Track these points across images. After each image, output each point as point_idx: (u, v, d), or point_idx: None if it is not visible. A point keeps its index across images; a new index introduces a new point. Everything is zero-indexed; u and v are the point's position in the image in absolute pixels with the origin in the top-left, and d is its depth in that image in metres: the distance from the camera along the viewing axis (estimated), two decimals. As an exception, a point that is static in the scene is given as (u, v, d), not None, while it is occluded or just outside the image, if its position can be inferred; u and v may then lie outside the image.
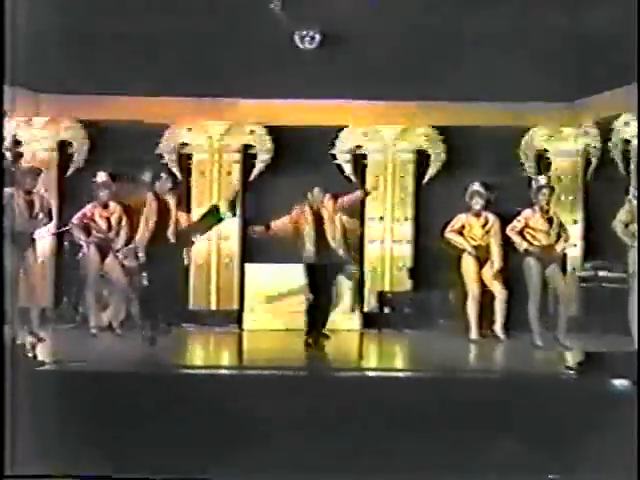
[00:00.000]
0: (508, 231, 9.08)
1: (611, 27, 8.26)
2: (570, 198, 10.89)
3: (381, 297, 10.88)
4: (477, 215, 9.84)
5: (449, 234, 9.78)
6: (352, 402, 6.08)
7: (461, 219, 9.83)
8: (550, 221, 9.04)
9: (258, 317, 10.46)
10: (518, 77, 9.52)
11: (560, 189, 10.53)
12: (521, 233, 8.97)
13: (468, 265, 9.73)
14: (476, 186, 9.86)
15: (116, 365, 7.14)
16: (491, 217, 9.82)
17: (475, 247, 9.71)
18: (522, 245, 8.91)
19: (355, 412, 6.00)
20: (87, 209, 9.52)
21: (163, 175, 8.70)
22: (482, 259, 9.73)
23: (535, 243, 8.95)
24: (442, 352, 8.75)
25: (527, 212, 9.05)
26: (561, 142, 10.96)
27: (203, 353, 9.36)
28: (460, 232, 9.77)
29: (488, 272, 9.69)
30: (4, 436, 5.40)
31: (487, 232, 9.75)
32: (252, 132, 11.03)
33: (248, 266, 10.68)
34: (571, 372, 6.88)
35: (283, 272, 10.18)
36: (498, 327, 9.65)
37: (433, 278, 10.52)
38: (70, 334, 9.68)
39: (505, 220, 9.45)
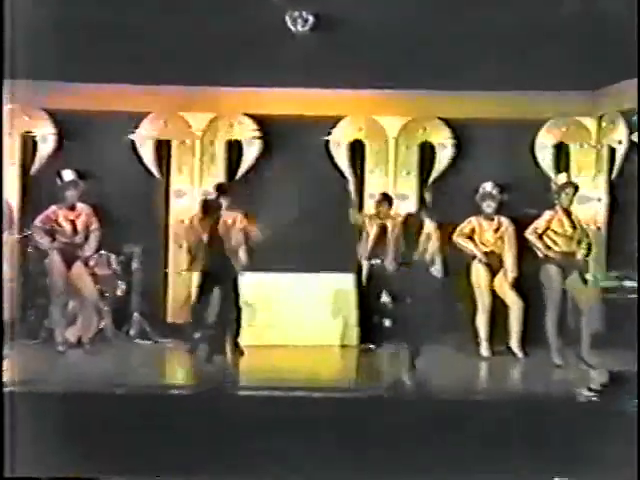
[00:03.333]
0: (528, 234, 9.08)
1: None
2: (593, 199, 10.87)
3: (380, 308, 10.69)
4: (489, 218, 9.87)
5: (458, 238, 9.78)
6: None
7: (471, 222, 9.85)
8: (573, 224, 9.05)
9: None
10: (533, 64, 9.56)
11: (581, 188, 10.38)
12: (540, 237, 9.00)
13: (478, 273, 9.76)
14: (488, 187, 9.90)
15: (93, 386, 7.28)
16: (505, 221, 9.87)
17: (486, 254, 9.76)
18: (543, 251, 8.92)
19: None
20: (50, 211, 9.44)
21: None
22: (494, 267, 9.77)
23: (556, 249, 8.96)
24: (443, 371, 8.72)
25: (548, 214, 9.05)
26: (581, 135, 11.00)
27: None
28: (470, 237, 9.81)
29: (501, 282, 9.74)
30: (4, 436, 5.82)
31: (500, 237, 9.80)
32: (238, 124, 11.10)
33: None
34: (594, 394, 6.95)
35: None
36: (514, 343, 9.66)
37: (440, 287, 9.99)
38: (35, 351, 9.63)
39: (519, 224, 9.56)
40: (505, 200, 9.93)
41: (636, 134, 10.13)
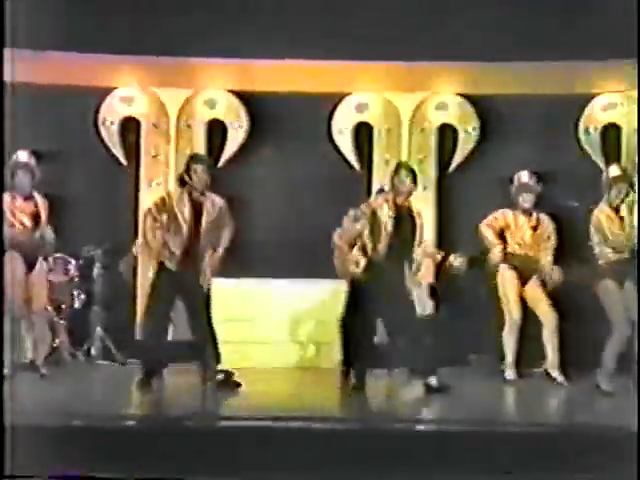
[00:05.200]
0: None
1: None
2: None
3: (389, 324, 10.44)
4: (527, 214, 9.75)
5: (485, 228, 9.66)
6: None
7: (505, 216, 9.71)
8: (623, 228, 8.73)
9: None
10: (574, 28, 9.41)
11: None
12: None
13: (506, 280, 9.62)
14: (525, 177, 9.84)
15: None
16: (545, 218, 9.80)
17: (518, 256, 9.61)
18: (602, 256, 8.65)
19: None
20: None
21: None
22: (527, 273, 9.61)
23: (611, 253, 8.67)
24: (458, 397, 8.49)
25: (600, 209, 8.74)
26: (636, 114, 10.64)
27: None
28: (500, 233, 9.69)
29: (533, 290, 9.59)
30: (4, 436, 6.13)
31: (539, 237, 9.70)
32: (221, 103, 10.90)
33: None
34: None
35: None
36: (551, 364, 9.45)
37: (461, 298, 10.34)
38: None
39: (559, 220, 9.67)
40: (544, 193, 9.85)
41: None
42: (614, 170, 8.97)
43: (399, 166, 8.86)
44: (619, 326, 8.50)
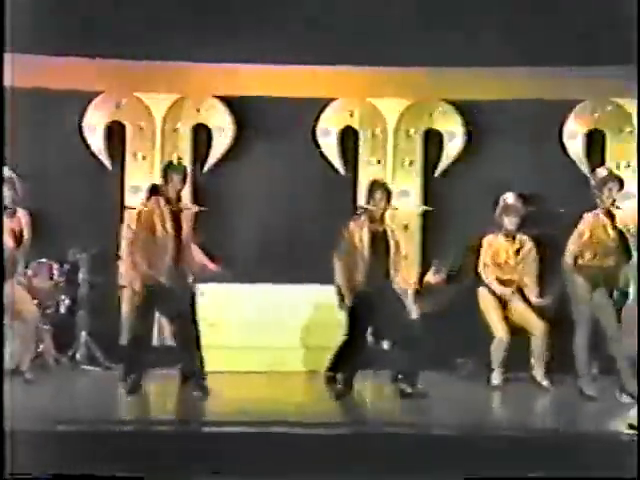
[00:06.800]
0: (567, 260, 8.66)
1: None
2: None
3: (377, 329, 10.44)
4: (509, 237, 9.76)
5: (488, 276, 9.65)
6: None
7: (490, 244, 9.72)
8: (615, 229, 8.76)
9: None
10: (560, 34, 9.47)
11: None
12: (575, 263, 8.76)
13: (486, 302, 9.66)
14: (510, 199, 9.88)
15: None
16: (527, 241, 9.78)
17: (503, 282, 9.66)
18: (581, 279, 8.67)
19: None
20: None
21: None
22: (507, 297, 9.70)
23: (595, 261, 8.69)
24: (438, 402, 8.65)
25: (588, 217, 8.71)
26: (621, 119, 10.70)
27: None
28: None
29: (517, 307, 9.64)
30: (4, 436, 6.22)
31: (521, 261, 9.70)
32: (207, 108, 10.92)
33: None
34: (635, 432, 6.82)
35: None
36: (536, 370, 9.49)
37: (448, 303, 10.14)
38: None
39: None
40: (529, 212, 9.87)
41: None
42: (602, 171, 9.00)
43: (373, 185, 8.88)
44: (580, 326, 8.57)
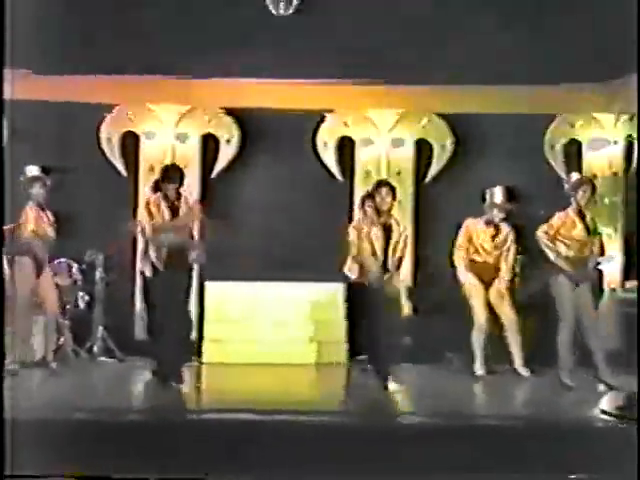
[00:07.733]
0: (539, 234, 8.93)
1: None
2: (607, 201, 10.86)
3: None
4: (490, 224, 9.89)
5: (457, 257, 9.82)
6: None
7: (467, 229, 9.83)
8: (587, 229, 8.98)
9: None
10: (541, 54, 9.67)
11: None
12: (552, 240, 8.93)
13: (470, 286, 9.78)
14: (497, 196, 9.91)
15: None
16: (505, 227, 9.90)
17: (480, 263, 9.79)
18: (552, 257, 8.86)
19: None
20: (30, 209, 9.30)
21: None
22: (488, 278, 9.82)
23: (568, 254, 8.89)
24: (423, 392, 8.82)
25: (560, 215, 8.98)
26: (595, 132, 10.96)
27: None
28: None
29: (496, 294, 9.79)
30: (4, 436, 6.06)
31: (497, 245, 9.84)
32: (214, 119, 11.12)
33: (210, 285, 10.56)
34: (609, 417, 6.99)
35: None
36: (517, 361, 9.71)
37: (438, 300, 10.45)
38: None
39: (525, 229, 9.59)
40: (514, 210, 9.97)
41: None
42: (576, 175, 9.34)
43: (380, 184, 9.07)
44: (565, 322, 8.75)
